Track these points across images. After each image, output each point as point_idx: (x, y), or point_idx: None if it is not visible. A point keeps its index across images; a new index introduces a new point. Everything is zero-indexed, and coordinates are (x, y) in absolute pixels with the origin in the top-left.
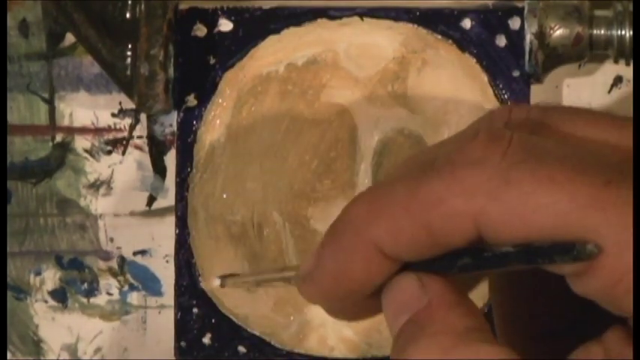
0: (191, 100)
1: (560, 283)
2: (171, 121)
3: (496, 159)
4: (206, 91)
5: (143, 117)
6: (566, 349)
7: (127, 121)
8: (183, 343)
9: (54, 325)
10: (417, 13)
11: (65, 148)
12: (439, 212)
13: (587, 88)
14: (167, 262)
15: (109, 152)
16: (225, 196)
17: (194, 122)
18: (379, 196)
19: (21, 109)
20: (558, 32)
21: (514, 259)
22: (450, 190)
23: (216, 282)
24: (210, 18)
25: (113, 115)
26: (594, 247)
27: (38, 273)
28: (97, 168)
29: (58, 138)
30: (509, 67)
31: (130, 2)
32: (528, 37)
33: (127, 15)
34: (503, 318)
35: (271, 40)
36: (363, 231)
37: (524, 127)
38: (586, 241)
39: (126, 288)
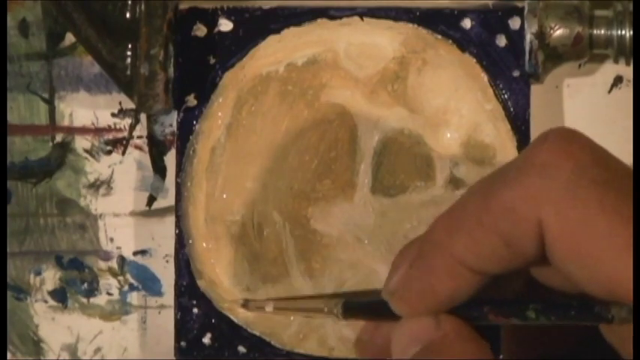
0: (191, 100)
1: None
2: (171, 121)
3: (567, 167)
4: (206, 91)
5: (143, 117)
6: None
7: (127, 121)
8: (183, 343)
9: (54, 325)
10: (417, 13)
11: (65, 148)
12: (509, 220)
13: (587, 88)
14: (167, 262)
15: (109, 152)
16: (225, 196)
17: (194, 122)
18: (455, 213)
19: (21, 109)
20: (558, 32)
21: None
22: (517, 197)
23: (239, 303)
24: (210, 18)
25: (113, 115)
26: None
27: (38, 273)
28: (97, 168)
29: (58, 138)
30: (509, 67)
31: (129, 2)
32: (528, 37)
33: (127, 15)
34: (511, 338)
35: (271, 40)
36: (444, 249)
37: None
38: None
39: (126, 288)
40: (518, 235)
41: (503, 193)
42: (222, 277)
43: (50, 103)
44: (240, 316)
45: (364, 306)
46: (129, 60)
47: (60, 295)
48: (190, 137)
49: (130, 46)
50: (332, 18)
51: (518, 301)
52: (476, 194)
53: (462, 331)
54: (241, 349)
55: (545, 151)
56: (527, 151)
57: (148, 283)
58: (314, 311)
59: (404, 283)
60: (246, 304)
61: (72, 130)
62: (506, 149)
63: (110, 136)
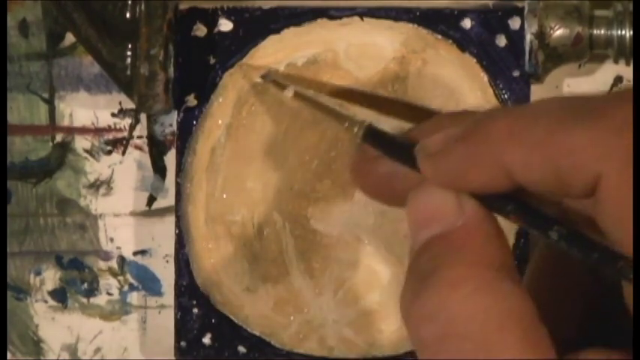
0: (191, 100)
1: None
2: (171, 121)
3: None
4: (206, 91)
5: (143, 117)
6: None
7: (127, 121)
8: (183, 343)
9: (54, 325)
10: (417, 13)
11: (65, 148)
12: (570, 162)
13: (587, 88)
14: (167, 262)
15: (109, 152)
16: (225, 196)
17: (194, 122)
18: (523, 123)
19: (21, 109)
20: (558, 32)
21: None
22: (587, 142)
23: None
24: (210, 18)
25: (113, 115)
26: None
27: (38, 273)
28: (97, 168)
29: (58, 138)
30: (509, 67)
31: (129, 2)
32: (528, 37)
33: (127, 15)
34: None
35: (271, 40)
36: (499, 150)
37: None
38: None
39: (126, 288)
40: (574, 178)
41: (574, 131)
42: (222, 277)
43: (50, 103)
44: (240, 316)
45: (389, 139)
46: (129, 60)
47: (60, 295)
48: (190, 137)
49: (130, 46)
50: (332, 18)
51: (546, 216)
52: (550, 120)
53: (485, 224)
54: (241, 349)
55: (626, 111)
56: (610, 101)
57: (148, 283)
58: (335, 117)
59: (444, 151)
60: (266, 75)
61: (72, 130)
62: None
63: (110, 136)
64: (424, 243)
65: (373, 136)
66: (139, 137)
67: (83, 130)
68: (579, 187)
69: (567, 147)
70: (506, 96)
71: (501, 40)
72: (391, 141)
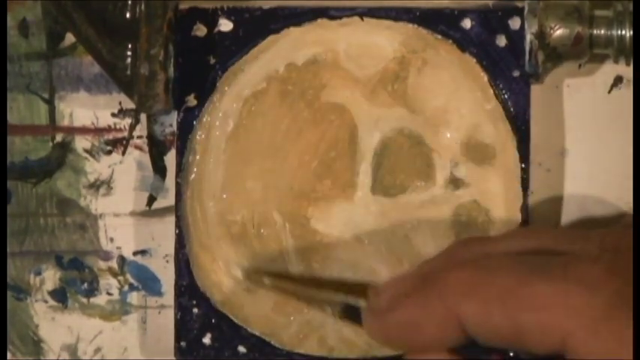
0: (191, 100)
1: None
2: (171, 121)
3: (607, 290)
4: (206, 91)
5: (143, 117)
6: None
7: (127, 121)
8: (183, 343)
9: (54, 325)
10: (417, 13)
11: (65, 148)
12: (535, 318)
13: (587, 88)
14: (167, 262)
15: (109, 152)
16: (225, 196)
17: (194, 122)
18: (481, 276)
19: (21, 109)
20: (558, 32)
21: None
22: (553, 301)
23: (238, 274)
24: (210, 18)
25: (113, 115)
26: None
27: (38, 273)
28: (97, 168)
29: (58, 138)
30: (509, 67)
31: (129, 2)
32: (528, 37)
33: (127, 15)
34: None
35: (271, 40)
36: (453, 302)
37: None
38: None
39: (126, 288)
40: (537, 334)
41: (538, 287)
42: (222, 277)
43: (50, 103)
44: (240, 316)
45: (358, 311)
46: (129, 60)
47: (60, 295)
48: (190, 137)
49: (130, 46)
50: (332, 18)
51: None
52: (511, 273)
53: None
54: (241, 349)
55: (598, 269)
56: (573, 256)
57: (148, 283)
58: (313, 306)
59: (392, 307)
60: (248, 276)
61: (72, 130)
62: (506, 149)
63: (110, 136)
64: None
65: (348, 312)
66: (139, 137)
67: (83, 130)
68: (543, 343)
69: (529, 303)
70: (506, 96)
71: (501, 40)
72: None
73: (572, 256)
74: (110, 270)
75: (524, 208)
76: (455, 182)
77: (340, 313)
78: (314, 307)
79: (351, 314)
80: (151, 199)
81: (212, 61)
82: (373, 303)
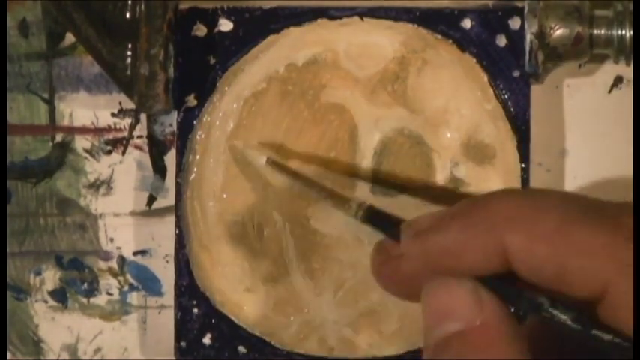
0: (191, 100)
1: None
2: (171, 121)
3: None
4: (206, 91)
5: (143, 117)
6: None
7: (127, 121)
8: (183, 343)
9: (54, 325)
10: (417, 13)
11: (65, 148)
12: (578, 263)
13: (587, 88)
14: (167, 262)
15: (109, 152)
16: (225, 196)
17: (194, 122)
18: (528, 210)
19: (21, 109)
20: (558, 32)
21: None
22: (601, 251)
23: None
24: (210, 18)
25: (113, 115)
26: None
27: (38, 273)
28: (97, 168)
29: (58, 138)
30: (509, 67)
31: (129, 2)
32: (528, 37)
33: (127, 15)
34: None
35: (271, 40)
36: (501, 229)
37: None
38: None
39: (126, 288)
40: (580, 276)
41: (584, 232)
42: (222, 277)
43: (50, 103)
44: (240, 316)
45: (387, 219)
46: (129, 60)
47: (60, 295)
48: (190, 137)
49: (130, 46)
50: (332, 18)
51: (565, 307)
52: (562, 212)
53: (504, 324)
54: (241, 349)
55: (634, 223)
56: (624, 210)
57: (148, 283)
58: (336, 203)
59: (434, 229)
60: (270, 161)
61: (72, 130)
62: (506, 149)
63: (110, 136)
64: (442, 339)
65: (373, 217)
66: (139, 137)
67: (83, 130)
68: (583, 288)
69: (577, 247)
70: (506, 96)
71: (501, 40)
72: (389, 220)
73: (626, 207)
74: (110, 270)
75: None
76: (455, 182)
77: (363, 216)
78: (338, 208)
79: (375, 219)
80: (151, 199)
81: (212, 61)
82: (413, 223)
